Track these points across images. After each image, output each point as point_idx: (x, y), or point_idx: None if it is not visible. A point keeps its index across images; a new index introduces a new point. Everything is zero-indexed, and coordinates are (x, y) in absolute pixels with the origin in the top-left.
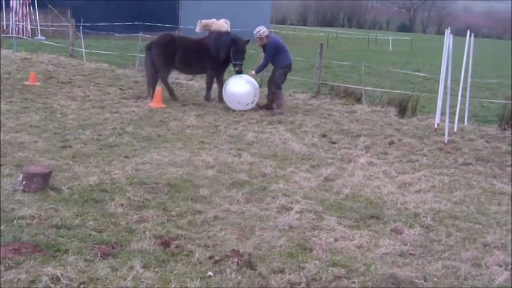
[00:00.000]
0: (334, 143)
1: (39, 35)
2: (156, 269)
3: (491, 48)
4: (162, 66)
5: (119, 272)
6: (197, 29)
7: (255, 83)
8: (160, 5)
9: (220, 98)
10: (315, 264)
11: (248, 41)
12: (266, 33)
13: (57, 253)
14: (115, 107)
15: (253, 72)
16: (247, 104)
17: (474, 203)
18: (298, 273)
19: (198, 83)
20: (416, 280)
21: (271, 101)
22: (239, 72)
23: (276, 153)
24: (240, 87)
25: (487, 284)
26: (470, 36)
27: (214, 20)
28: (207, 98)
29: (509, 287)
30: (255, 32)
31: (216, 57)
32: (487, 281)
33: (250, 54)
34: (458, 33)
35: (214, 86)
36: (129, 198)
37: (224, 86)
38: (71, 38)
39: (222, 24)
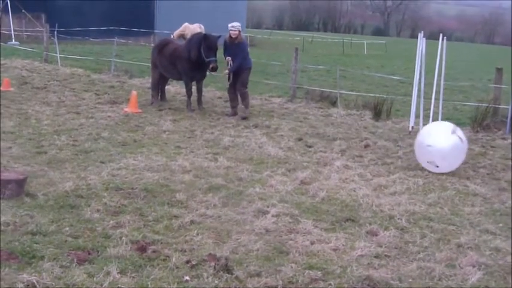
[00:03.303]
0: (310, 146)
1: (13, 40)
2: (132, 275)
3: (464, 52)
4: (151, 68)
5: (95, 278)
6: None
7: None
8: (135, 10)
9: (199, 105)
10: (292, 267)
11: (220, 36)
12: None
13: (33, 260)
14: (90, 112)
15: (227, 71)
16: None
17: (448, 205)
18: (275, 277)
19: (174, 87)
20: (391, 281)
21: (236, 105)
22: (214, 69)
23: (252, 157)
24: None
25: (460, 284)
26: (442, 39)
27: (186, 24)
28: (187, 106)
29: (482, 287)
30: (234, 25)
31: (188, 60)
32: (460, 281)
33: (219, 59)
34: (432, 36)
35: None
36: (105, 203)
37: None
38: (46, 43)
39: (195, 29)
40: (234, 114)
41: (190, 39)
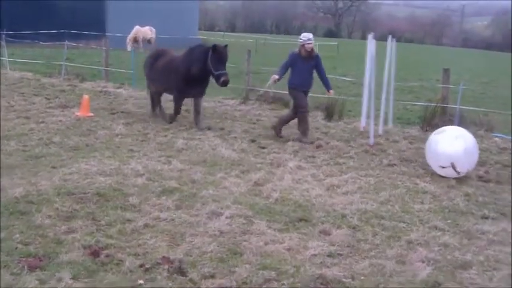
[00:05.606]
0: (263, 148)
1: None
2: (85, 280)
3: (414, 52)
4: (147, 80)
5: (47, 284)
6: (128, 48)
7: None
8: (86, 13)
9: (198, 123)
10: (246, 268)
11: (227, 45)
12: None
13: None
14: (41, 116)
15: (332, 91)
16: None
17: (399, 202)
18: (229, 278)
19: (127, 91)
20: (344, 279)
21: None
22: (226, 82)
23: (205, 159)
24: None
25: (411, 280)
26: (391, 40)
27: (137, 27)
28: (171, 118)
29: (432, 282)
30: (310, 37)
31: (185, 74)
32: (411, 277)
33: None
34: (383, 38)
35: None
36: (57, 209)
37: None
38: None
39: (146, 31)
40: (306, 136)
41: (191, 51)
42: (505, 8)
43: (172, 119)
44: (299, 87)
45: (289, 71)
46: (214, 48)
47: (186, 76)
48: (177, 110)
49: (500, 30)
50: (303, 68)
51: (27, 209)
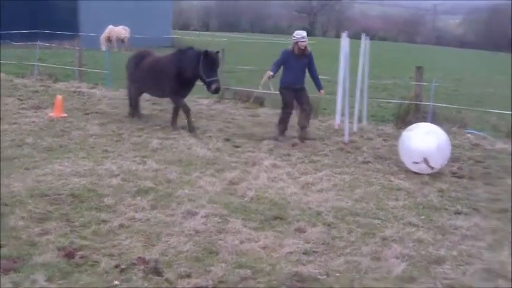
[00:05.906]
0: (238, 146)
1: None
2: (60, 281)
3: (387, 50)
4: (128, 81)
5: (21, 286)
6: (103, 48)
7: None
8: (58, 12)
9: (173, 124)
10: (222, 267)
11: (218, 52)
12: None
13: None
14: (14, 118)
15: (322, 91)
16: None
17: (373, 200)
18: (205, 277)
19: (101, 91)
20: (319, 276)
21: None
22: (217, 90)
23: (180, 159)
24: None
25: (386, 276)
26: (365, 39)
27: (111, 26)
28: (188, 121)
29: (406, 277)
30: (304, 34)
31: (177, 77)
32: (385, 273)
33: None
34: (357, 36)
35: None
36: (30, 210)
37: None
38: None
39: (120, 31)
40: (282, 135)
41: (182, 54)
42: (477, 7)
43: (191, 122)
44: (291, 86)
45: (282, 69)
46: (206, 54)
47: (178, 78)
48: (186, 109)
49: (472, 28)
50: (296, 66)
51: (1, 211)
